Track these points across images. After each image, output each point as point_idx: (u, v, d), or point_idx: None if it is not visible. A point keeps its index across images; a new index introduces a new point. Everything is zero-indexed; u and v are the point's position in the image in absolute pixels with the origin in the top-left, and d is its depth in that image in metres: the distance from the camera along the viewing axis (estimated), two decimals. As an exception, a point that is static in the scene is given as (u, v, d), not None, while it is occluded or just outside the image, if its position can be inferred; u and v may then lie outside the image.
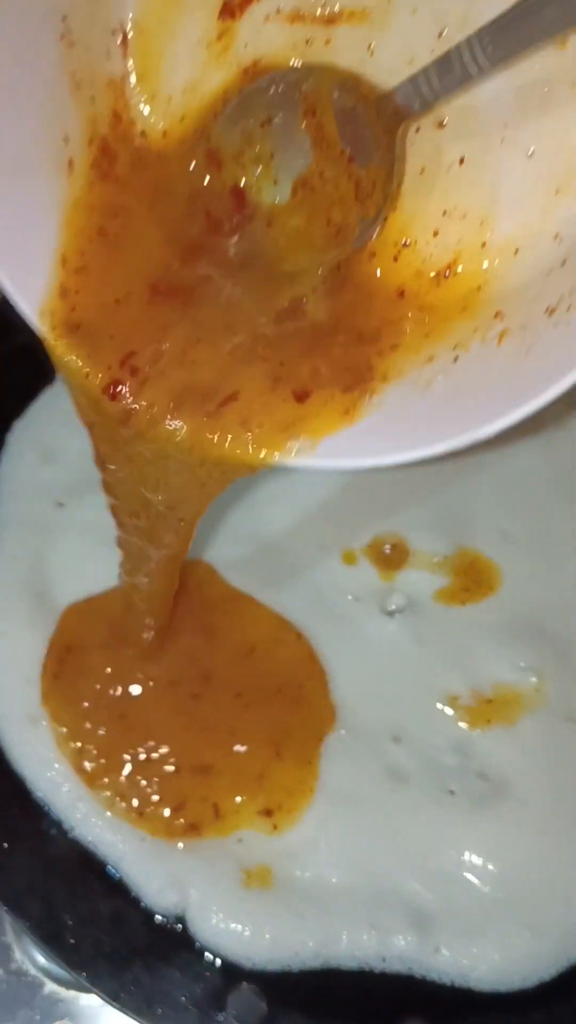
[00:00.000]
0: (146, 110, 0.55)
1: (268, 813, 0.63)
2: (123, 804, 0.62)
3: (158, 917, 0.61)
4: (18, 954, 0.69)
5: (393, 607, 0.69)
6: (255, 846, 0.62)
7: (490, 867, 0.62)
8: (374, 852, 0.63)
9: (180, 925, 0.61)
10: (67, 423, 0.72)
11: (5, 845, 0.62)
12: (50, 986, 0.69)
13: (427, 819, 0.63)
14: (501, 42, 0.45)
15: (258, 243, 0.51)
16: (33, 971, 0.69)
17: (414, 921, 0.61)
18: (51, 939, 0.60)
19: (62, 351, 0.50)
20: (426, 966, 0.60)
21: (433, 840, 0.63)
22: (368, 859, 0.62)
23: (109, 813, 0.62)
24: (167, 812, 0.62)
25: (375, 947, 0.60)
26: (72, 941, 0.59)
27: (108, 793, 0.63)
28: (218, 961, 0.60)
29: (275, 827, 0.62)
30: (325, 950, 0.60)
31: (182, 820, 0.62)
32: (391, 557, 0.70)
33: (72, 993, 0.69)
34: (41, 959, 0.69)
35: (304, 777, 0.64)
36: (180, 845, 0.62)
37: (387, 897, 0.61)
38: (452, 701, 0.66)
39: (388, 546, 0.71)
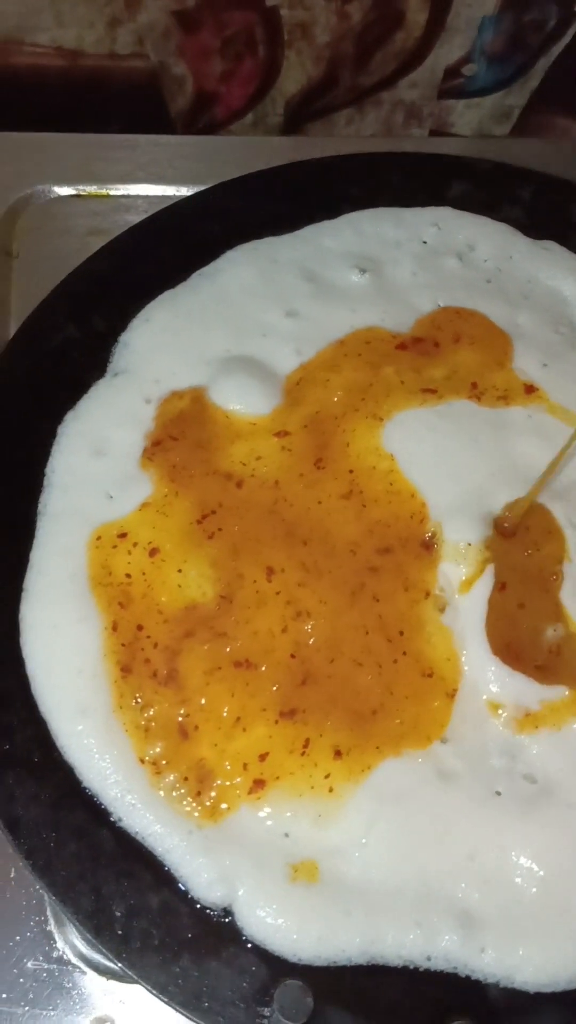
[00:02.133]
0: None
1: (338, 754, 0.64)
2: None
3: (206, 910, 0.61)
4: (60, 943, 0.70)
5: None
6: (302, 841, 0.63)
7: (536, 869, 0.62)
8: (421, 851, 0.63)
9: (228, 919, 0.61)
10: (117, 417, 0.73)
11: (55, 835, 0.62)
12: (91, 975, 0.69)
13: (474, 820, 0.63)
14: None
15: None
16: (75, 960, 0.69)
17: (460, 921, 0.61)
18: (100, 931, 0.60)
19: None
20: (471, 966, 0.61)
21: (479, 841, 0.63)
22: (414, 858, 0.62)
23: (160, 803, 0.62)
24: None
25: (421, 946, 0.61)
26: (120, 933, 0.60)
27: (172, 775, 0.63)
28: (265, 955, 0.60)
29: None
30: (371, 947, 0.60)
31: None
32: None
33: (112, 983, 0.69)
34: (82, 948, 0.70)
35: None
36: (229, 832, 0.62)
37: (433, 896, 0.62)
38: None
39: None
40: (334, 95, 1.06)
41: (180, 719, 0.65)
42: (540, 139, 1.11)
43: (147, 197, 0.95)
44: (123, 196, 0.95)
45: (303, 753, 0.64)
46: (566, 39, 1.02)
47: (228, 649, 0.66)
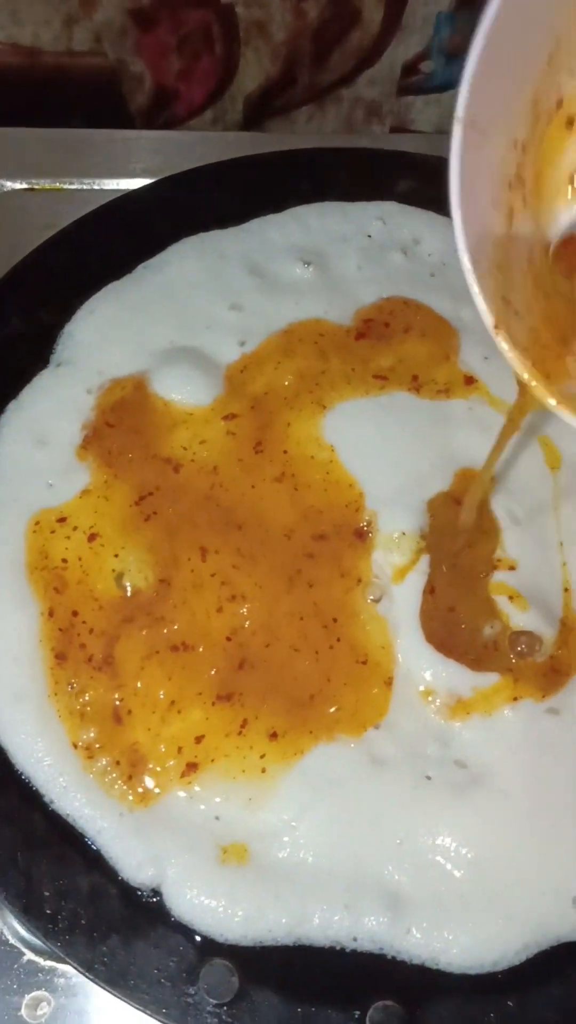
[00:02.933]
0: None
1: (274, 736, 0.65)
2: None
3: (136, 891, 0.62)
4: (-1, 925, 0.70)
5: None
6: (233, 824, 0.63)
7: (465, 853, 0.63)
8: (351, 834, 0.63)
9: (157, 899, 0.62)
10: (59, 407, 0.74)
11: (-14, 817, 0.63)
12: (28, 956, 0.70)
13: (405, 805, 0.64)
14: None
15: None
16: (12, 941, 0.70)
17: (387, 903, 0.62)
18: (29, 910, 0.61)
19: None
20: (397, 947, 0.61)
21: (410, 825, 0.64)
22: (345, 841, 0.63)
23: (92, 786, 0.63)
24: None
25: (348, 927, 0.61)
26: (49, 912, 0.61)
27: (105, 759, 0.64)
28: (193, 936, 0.61)
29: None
30: (298, 928, 0.61)
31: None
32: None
33: (50, 964, 0.70)
34: (20, 929, 0.70)
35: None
36: (160, 814, 0.63)
37: (362, 878, 0.62)
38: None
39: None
40: (293, 93, 1.07)
41: (115, 704, 0.66)
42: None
43: (103, 191, 0.96)
44: (78, 190, 0.96)
45: (240, 733, 0.65)
46: (523, 37, 1.03)
47: (165, 632, 0.67)
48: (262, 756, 0.64)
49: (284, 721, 0.65)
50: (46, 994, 0.69)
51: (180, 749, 0.65)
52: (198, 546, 0.69)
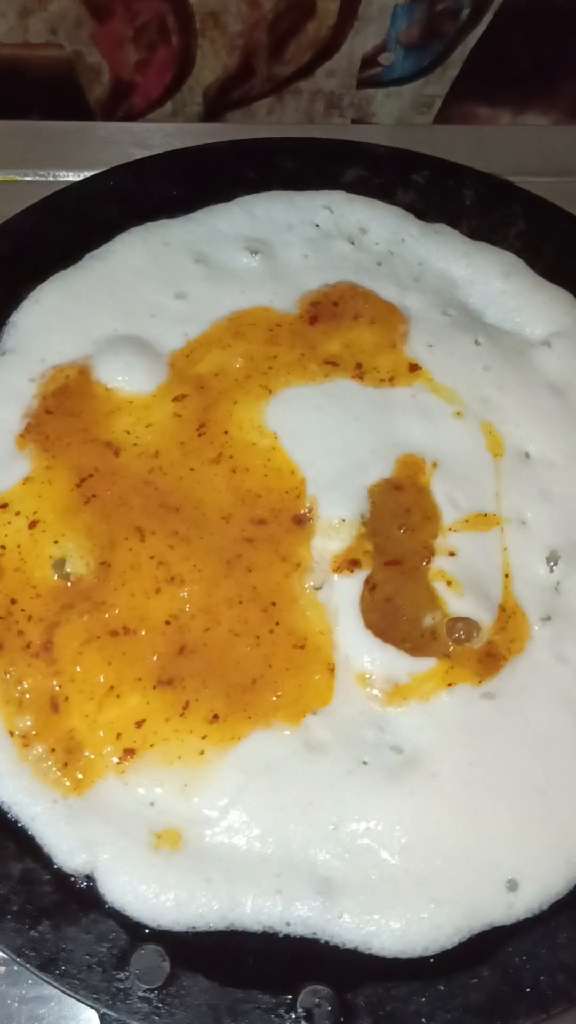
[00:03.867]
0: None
1: (215, 718, 0.65)
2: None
3: (68, 877, 0.62)
4: None
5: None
6: (167, 810, 0.64)
7: (398, 837, 0.63)
8: (284, 820, 0.64)
9: (90, 885, 0.62)
10: (3, 396, 0.74)
11: None
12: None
13: (340, 790, 0.64)
14: None
15: None
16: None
17: (320, 888, 0.62)
18: (-41, 895, 0.61)
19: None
20: (330, 932, 0.62)
21: (344, 810, 0.64)
22: (278, 826, 0.63)
23: (26, 774, 0.63)
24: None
25: (280, 912, 0.62)
26: (-21, 898, 0.61)
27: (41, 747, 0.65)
28: (125, 922, 0.61)
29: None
30: (231, 913, 0.61)
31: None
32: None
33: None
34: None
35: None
36: (94, 801, 0.63)
37: (295, 864, 0.63)
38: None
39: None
40: (251, 84, 1.07)
41: (53, 691, 0.66)
42: (463, 126, 1.12)
43: (59, 183, 0.95)
44: (33, 182, 0.96)
45: (182, 715, 0.65)
46: (481, 27, 1.03)
47: (106, 616, 0.67)
48: (203, 737, 0.64)
49: (224, 705, 0.65)
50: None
51: (119, 735, 0.65)
52: (135, 528, 0.69)
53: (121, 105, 1.07)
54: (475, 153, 0.97)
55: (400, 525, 0.71)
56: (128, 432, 0.73)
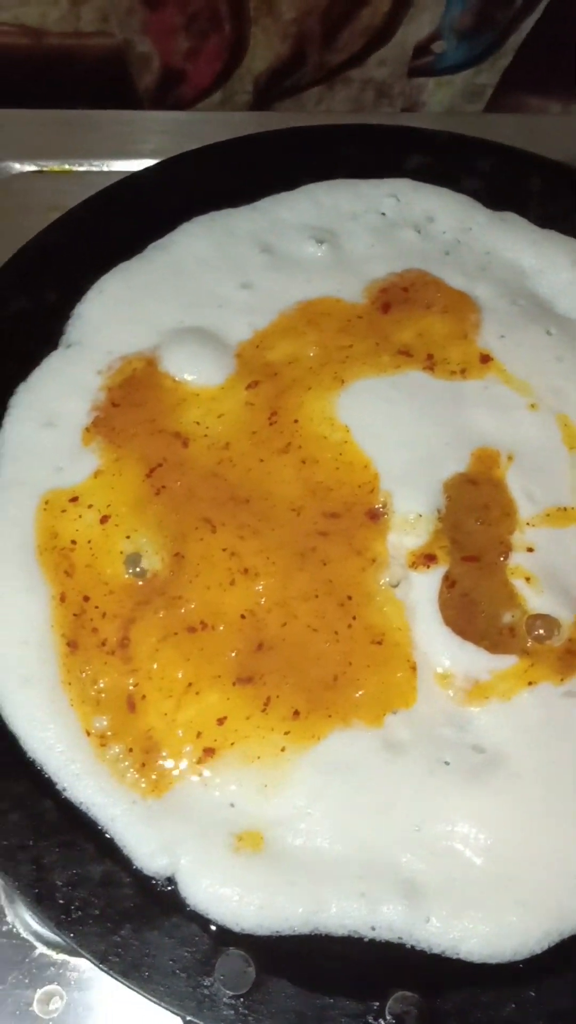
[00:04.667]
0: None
1: (296, 714, 0.64)
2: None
3: (149, 880, 0.60)
4: (9, 916, 0.70)
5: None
6: (247, 811, 0.62)
7: (482, 839, 0.62)
8: (366, 822, 0.62)
9: (171, 888, 0.60)
10: (68, 388, 0.72)
11: (-3, 804, 0.61)
12: (40, 949, 0.69)
13: (421, 790, 0.63)
14: None
15: None
16: (24, 934, 0.69)
17: (405, 891, 0.60)
18: (41, 900, 0.59)
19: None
20: (416, 936, 0.60)
21: (426, 811, 0.62)
22: (360, 828, 0.62)
23: (104, 774, 0.62)
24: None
25: (365, 915, 0.60)
26: (62, 902, 0.59)
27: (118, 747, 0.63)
28: (207, 925, 0.60)
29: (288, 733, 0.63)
30: (314, 917, 0.60)
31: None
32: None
33: (62, 957, 0.69)
34: (32, 922, 0.69)
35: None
36: (173, 803, 0.62)
37: (378, 867, 0.61)
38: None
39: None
40: (303, 73, 1.05)
41: (129, 690, 0.64)
42: (513, 115, 1.11)
43: (111, 173, 0.95)
44: (86, 172, 0.95)
45: (263, 711, 0.64)
46: (535, 15, 1.01)
47: (182, 611, 0.66)
48: (285, 733, 0.63)
49: (306, 702, 0.64)
50: (58, 988, 0.68)
51: (199, 733, 0.63)
52: (205, 520, 0.68)
53: (170, 94, 1.06)
54: (525, 142, 0.95)
55: (477, 519, 0.70)
56: (198, 423, 0.71)
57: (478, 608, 0.67)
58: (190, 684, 0.64)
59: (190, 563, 0.67)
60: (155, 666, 0.65)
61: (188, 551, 0.67)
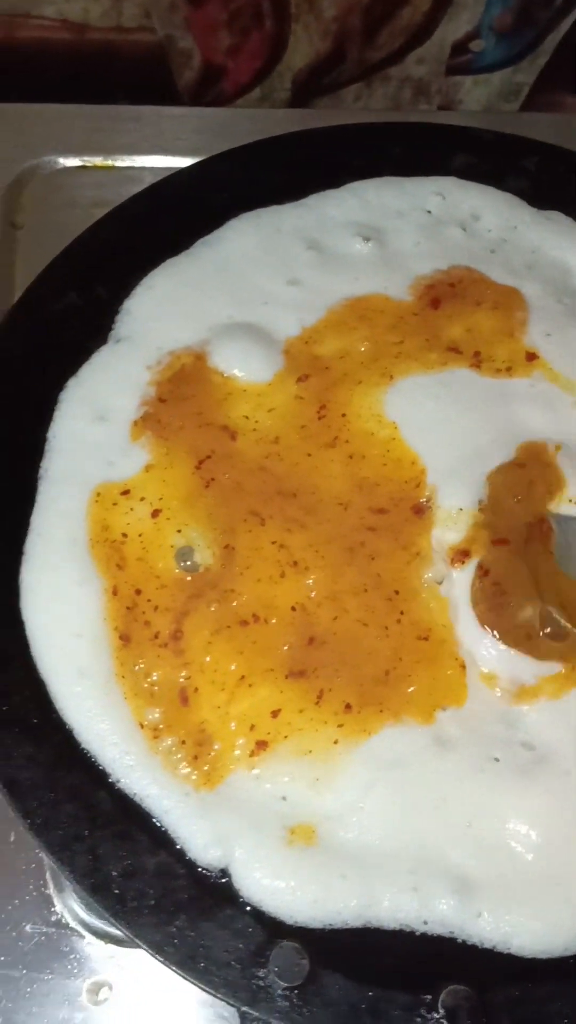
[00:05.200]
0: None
1: (348, 707, 0.64)
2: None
3: (203, 871, 0.61)
4: (59, 907, 0.70)
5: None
6: (299, 804, 0.63)
7: (532, 835, 0.62)
8: (418, 817, 0.62)
9: (224, 880, 0.61)
10: (119, 383, 0.73)
11: (52, 795, 0.62)
12: (89, 939, 0.70)
13: (471, 786, 0.63)
14: None
15: None
16: (73, 924, 0.69)
17: (456, 886, 0.61)
18: (97, 890, 0.60)
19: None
20: (468, 931, 0.60)
21: (477, 807, 0.63)
22: (411, 824, 0.62)
23: (158, 766, 0.62)
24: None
25: (417, 910, 0.60)
26: (117, 892, 0.60)
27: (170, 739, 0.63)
28: (261, 917, 0.60)
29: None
30: (367, 911, 0.60)
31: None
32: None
33: (110, 947, 0.70)
34: (81, 912, 0.70)
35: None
36: (226, 795, 0.62)
37: (430, 861, 0.61)
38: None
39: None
40: (342, 70, 1.05)
41: (182, 682, 0.65)
42: (550, 114, 1.11)
43: (152, 168, 0.95)
44: (128, 168, 0.95)
45: (317, 704, 0.64)
46: (574, 15, 1.01)
47: (234, 604, 0.66)
48: (339, 726, 0.64)
49: (358, 696, 0.65)
50: (107, 978, 0.68)
51: (252, 726, 0.64)
52: (253, 513, 0.69)
53: (210, 90, 1.06)
54: (561, 141, 0.95)
55: (516, 497, 0.70)
56: (247, 417, 0.72)
57: (507, 600, 0.67)
58: (243, 677, 0.64)
59: (240, 556, 0.68)
60: (208, 659, 0.65)
61: (238, 544, 0.68)
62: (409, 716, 0.65)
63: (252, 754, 0.63)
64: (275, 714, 0.63)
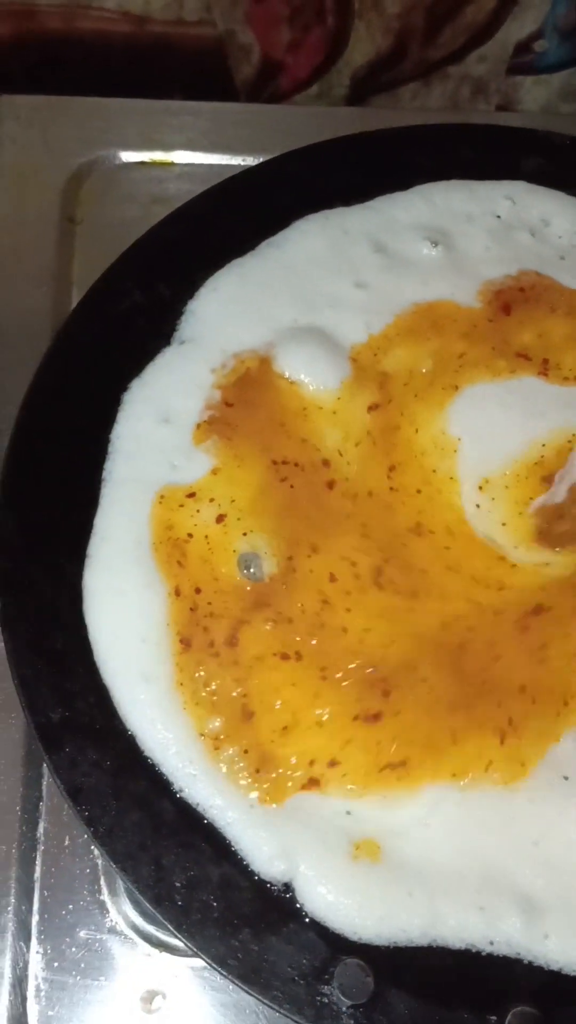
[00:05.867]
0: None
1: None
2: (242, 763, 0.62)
3: (267, 884, 0.60)
4: (113, 913, 0.69)
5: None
6: (364, 820, 0.62)
7: (602, 857, 0.61)
8: (484, 835, 0.61)
9: (288, 894, 0.60)
10: (183, 385, 0.72)
11: (116, 803, 0.61)
12: (142, 947, 0.69)
13: (540, 805, 0.62)
14: None
15: None
16: (127, 931, 0.69)
17: (523, 906, 0.60)
18: (160, 901, 0.59)
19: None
20: (534, 952, 0.60)
21: (545, 826, 0.62)
22: (478, 842, 0.61)
23: (220, 776, 0.62)
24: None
25: (483, 930, 0.60)
26: (181, 904, 0.59)
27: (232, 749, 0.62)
28: (325, 933, 0.59)
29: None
30: (432, 929, 0.59)
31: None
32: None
33: (164, 956, 0.69)
34: (135, 919, 0.69)
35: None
36: (290, 808, 0.61)
37: (496, 881, 0.61)
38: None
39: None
40: (401, 68, 1.04)
41: (240, 698, 0.64)
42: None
43: (211, 166, 0.94)
44: (186, 164, 0.94)
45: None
46: None
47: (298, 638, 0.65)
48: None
49: (423, 747, 0.63)
50: (161, 987, 0.68)
51: (312, 762, 0.63)
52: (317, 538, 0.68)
53: (267, 86, 1.05)
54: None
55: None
56: (341, 454, 0.71)
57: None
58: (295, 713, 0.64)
59: (300, 575, 0.67)
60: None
61: (299, 564, 0.67)
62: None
63: (305, 788, 0.62)
64: (332, 764, 0.63)
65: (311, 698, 0.64)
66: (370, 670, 0.65)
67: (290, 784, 0.62)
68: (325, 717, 0.63)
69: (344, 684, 0.64)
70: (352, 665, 0.65)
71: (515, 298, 0.76)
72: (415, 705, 0.64)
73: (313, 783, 0.62)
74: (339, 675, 0.65)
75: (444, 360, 0.73)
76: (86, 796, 0.61)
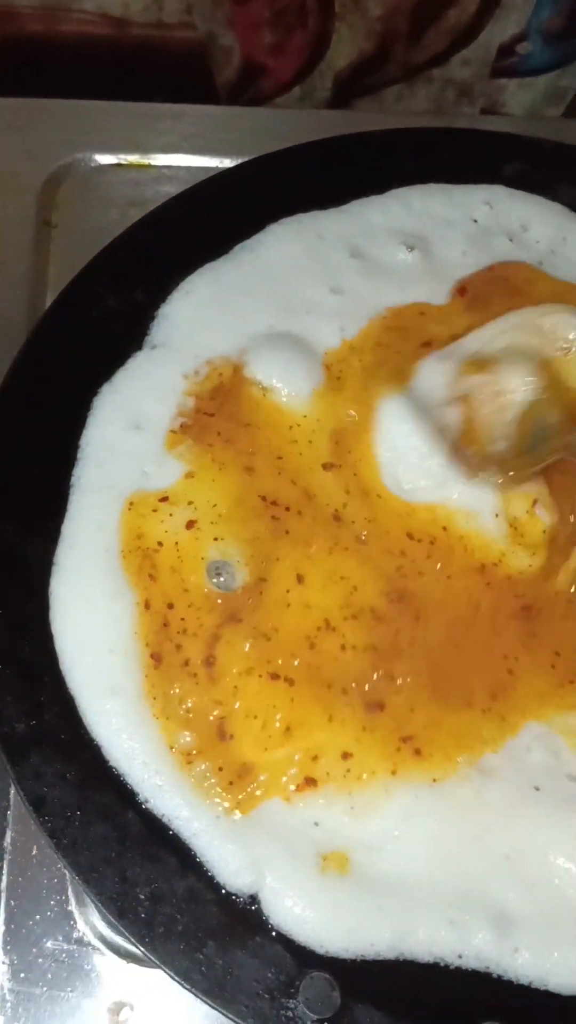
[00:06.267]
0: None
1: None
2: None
3: (232, 897, 0.59)
4: (80, 924, 0.69)
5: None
6: (333, 831, 0.61)
7: (574, 870, 0.60)
8: (456, 848, 0.61)
9: (254, 907, 0.59)
10: (155, 390, 0.71)
11: (80, 815, 0.60)
12: (110, 958, 0.68)
13: (512, 817, 0.61)
14: None
15: None
16: (95, 942, 0.68)
17: (494, 920, 0.59)
18: (124, 914, 0.58)
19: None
20: (504, 966, 0.59)
21: (517, 839, 0.61)
22: (449, 855, 0.61)
23: (187, 787, 0.61)
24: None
25: (453, 943, 0.59)
26: (144, 917, 0.58)
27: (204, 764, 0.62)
28: (292, 946, 0.58)
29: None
30: (401, 943, 0.59)
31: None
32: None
33: (132, 967, 0.68)
34: (103, 929, 0.69)
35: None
36: (257, 819, 0.61)
37: (467, 894, 0.60)
38: None
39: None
40: (384, 71, 1.03)
41: (216, 720, 0.63)
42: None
43: (189, 168, 0.93)
44: (165, 167, 0.94)
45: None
46: (625, 18, 0.99)
47: (280, 661, 0.64)
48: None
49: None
50: (129, 998, 0.67)
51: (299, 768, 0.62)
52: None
53: (249, 88, 1.04)
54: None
55: None
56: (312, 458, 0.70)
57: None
58: (288, 728, 0.63)
59: (275, 592, 0.66)
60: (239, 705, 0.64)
61: (271, 589, 0.66)
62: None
63: (298, 789, 0.61)
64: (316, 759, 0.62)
65: (292, 713, 0.63)
66: (354, 684, 0.64)
67: (279, 786, 0.61)
68: (306, 731, 0.63)
69: (331, 697, 0.64)
70: (340, 678, 0.64)
71: (505, 279, 0.76)
72: (407, 703, 0.64)
73: (309, 782, 0.62)
74: (327, 688, 0.64)
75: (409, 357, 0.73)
76: (49, 807, 0.60)
